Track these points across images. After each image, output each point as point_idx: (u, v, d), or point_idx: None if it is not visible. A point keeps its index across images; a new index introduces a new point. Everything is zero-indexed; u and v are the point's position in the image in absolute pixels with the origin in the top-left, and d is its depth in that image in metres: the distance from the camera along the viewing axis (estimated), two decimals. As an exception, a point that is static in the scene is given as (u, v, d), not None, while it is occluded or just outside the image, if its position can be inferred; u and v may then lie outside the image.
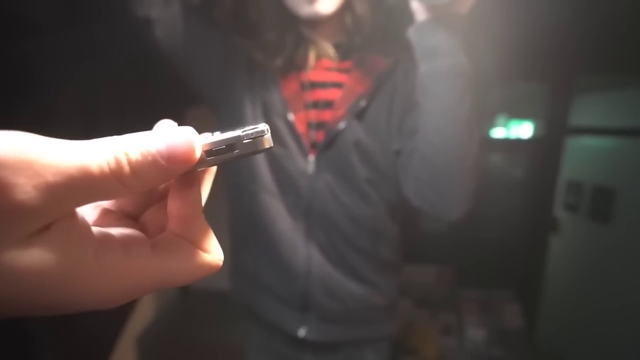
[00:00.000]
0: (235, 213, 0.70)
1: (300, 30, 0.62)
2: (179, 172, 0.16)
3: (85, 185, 0.14)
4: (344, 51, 0.63)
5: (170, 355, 1.26)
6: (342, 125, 0.60)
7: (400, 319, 1.46)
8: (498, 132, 2.27)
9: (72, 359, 0.93)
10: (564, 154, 1.57)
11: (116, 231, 0.17)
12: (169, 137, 0.15)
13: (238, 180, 0.66)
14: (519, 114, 2.18)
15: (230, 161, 0.18)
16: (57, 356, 0.86)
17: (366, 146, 0.61)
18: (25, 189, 0.13)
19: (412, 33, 0.53)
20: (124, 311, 1.19)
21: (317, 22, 0.61)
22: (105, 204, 0.20)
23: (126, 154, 0.15)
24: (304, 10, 0.58)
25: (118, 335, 1.13)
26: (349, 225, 0.62)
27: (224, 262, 0.21)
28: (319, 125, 0.62)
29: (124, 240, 0.17)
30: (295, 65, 0.63)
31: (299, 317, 0.65)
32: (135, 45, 0.65)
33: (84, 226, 0.15)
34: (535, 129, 2.18)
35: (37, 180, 0.13)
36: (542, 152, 1.62)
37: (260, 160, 0.63)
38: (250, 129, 0.17)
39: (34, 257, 0.13)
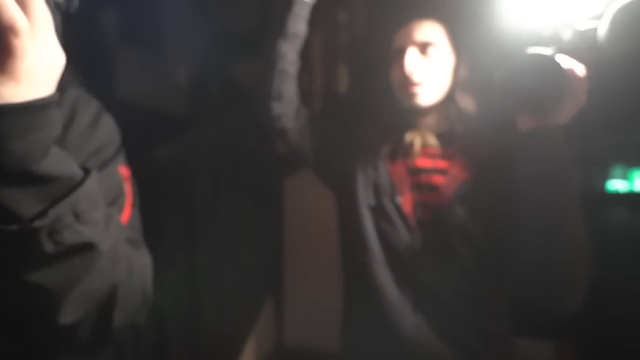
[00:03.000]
0: (347, 279, 0.79)
1: (408, 118, 0.73)
2: None
3: None
4: (446, 139, 0.70)
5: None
6: (446, 209, 0.66)
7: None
8: (617, 185, 1.98)
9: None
10: None
11: None
12: None
13: (351, 249, 0.76)
14: (642, 162, 1.87)
15: None
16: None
17: (468, 230, 0.65)
18: None
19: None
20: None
21: (421, 112, 0.71)
22: None
23: None
24: (407, 102, 0.70)
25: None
26: (453, 299, 0.66)
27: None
28: (424, 206, 0.69)
29: None
30: (403, 151, 0.73)
31: None
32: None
33: None
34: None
35: None
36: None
37: (372, 235, 0.72)
38: None
39: None
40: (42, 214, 0.25)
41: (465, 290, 0.66)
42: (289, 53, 0.70)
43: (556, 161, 0.54)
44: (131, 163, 0.47)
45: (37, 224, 0.25)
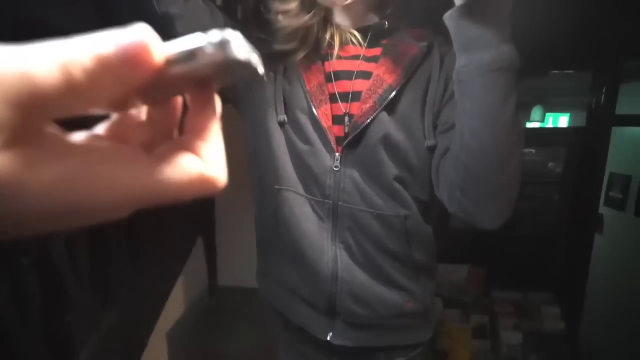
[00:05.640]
0: (260, 213, 0.67)
1: (325, 15, 0.58)
2: (139, 77, 0.15)
3: (31, 95, 0.13)
4: (371, 37, 0.59)
5: (199, 349, 1.28)
6: (369, 118, 0.55)
7: (430, 320, 1.41)
8: (534, 123, 2.14)
9: (107, 355, 0.96)
10: (608, 145, 1.45)
11: (104, 144, 0.17)
12: (118, 37, 0.14)
13: (262, 178, 0.63)
14: (556, 104, 2.04)
15: (199, 74, 0.17)
16: (93, 354, 0.89)
17: (396, 142, 0.56)
18: None
19: (447, 20, 0.47)
20: (154, 307, 1.21)
21: (343, 6, 0.57)
22: (100, 131, 0.20)
23: (75, 60, 0.14)
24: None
25: (149, 331, 1.16)
26: (378, 226, 0.58)
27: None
28: (345, 119, 0.58)
29: (112, 151, 0.17)
30: (319, 55, 0.59)
31: (326, 322, 0.62)
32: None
33: (55, 142, 0.15)
34: (574, 119, 2.04)
35: None
36: (584, 143, 1.51)
37: (284, 157, 0.60)
38: (216, 34, 0.16)
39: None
40: None
41: (391, 213, 0.57)
42: None
43: (498, 44, 0.43)
44: None
45: None
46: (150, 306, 1.21)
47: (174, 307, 1.32)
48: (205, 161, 0.18)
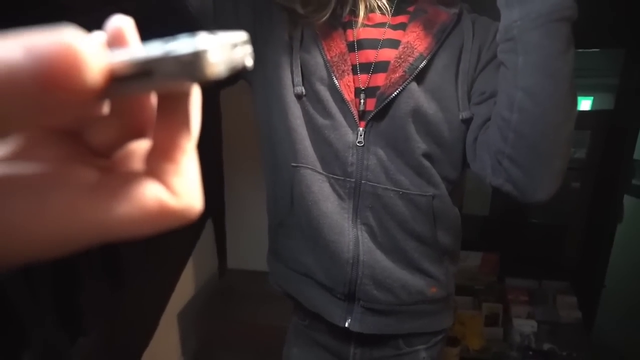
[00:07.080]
0: (273, 192, 0.63)
1: None
2: (63, 102, 0.10)
3: None
4: (397, 3, 0.54)
5: (209, 331, 1.28)
6: (398, 89, 0.51)
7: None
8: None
9: (119, 335, 0.96)
10: (639, 128, 1.37)
11: (33, 168, 0.13)
12: (33, 43, 0.09)
13: (277, 156, 0.59)
14: (579, 87, 1.95)
15: (152, 90, 0.13)
16: (106, 333, 0.88)
17: (427, 115, 0.52)
18: None
19: None
20: (165, 289, 1.21)
21: None
22: None
23: None
24: None
25: (160, 313, 1.16)
26: (403, 207, 0.54)
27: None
28: (370, 91, 0.53)
29: (40, 176, 0.13)
30: (341, 22, 0.55)
31: (344, 308, 0.59)
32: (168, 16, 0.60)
33: None
34: (597, 102, 1.95)
35: None
36: (610, 126, 1.43)
37: (302, 133, 0.55)
38: (184, 42, 0.12)
39: None
40: None
41: (418, 192, 0.54)
42: None
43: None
44: None
45: None
46: (160, 288, 1.20)
47: (185, 289, 1.32)
48: (171, 189, 0.14)
